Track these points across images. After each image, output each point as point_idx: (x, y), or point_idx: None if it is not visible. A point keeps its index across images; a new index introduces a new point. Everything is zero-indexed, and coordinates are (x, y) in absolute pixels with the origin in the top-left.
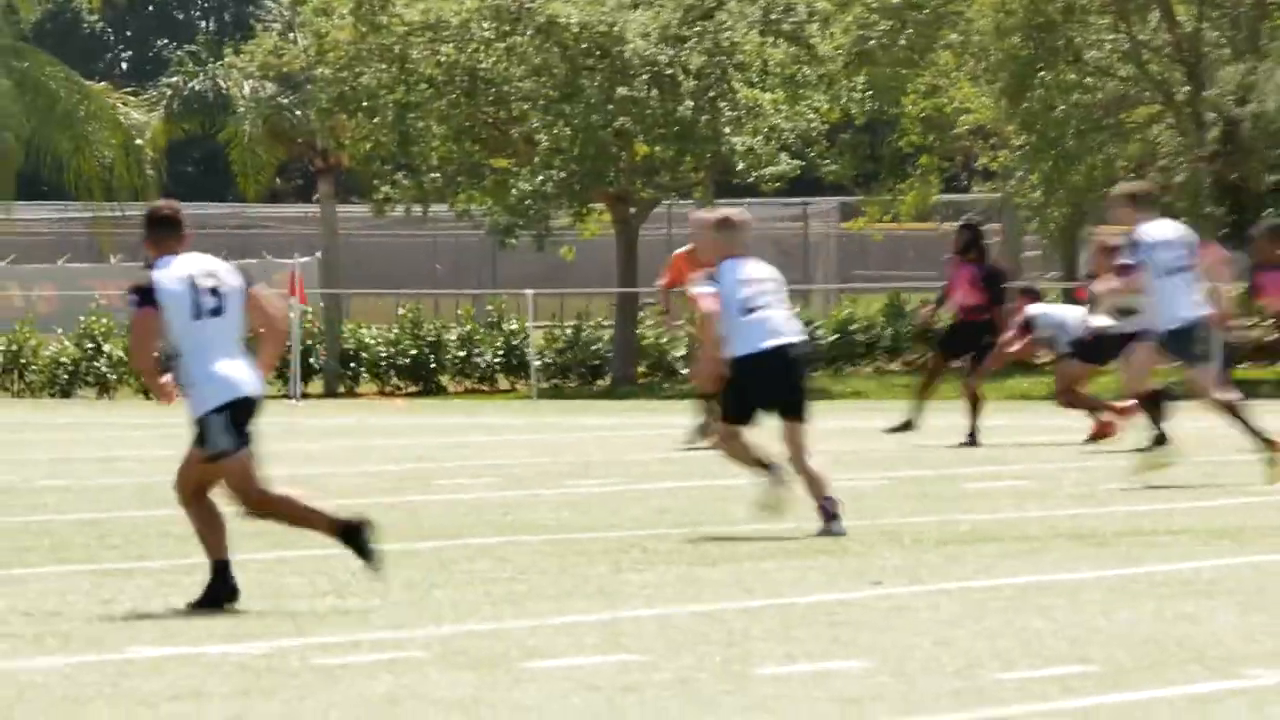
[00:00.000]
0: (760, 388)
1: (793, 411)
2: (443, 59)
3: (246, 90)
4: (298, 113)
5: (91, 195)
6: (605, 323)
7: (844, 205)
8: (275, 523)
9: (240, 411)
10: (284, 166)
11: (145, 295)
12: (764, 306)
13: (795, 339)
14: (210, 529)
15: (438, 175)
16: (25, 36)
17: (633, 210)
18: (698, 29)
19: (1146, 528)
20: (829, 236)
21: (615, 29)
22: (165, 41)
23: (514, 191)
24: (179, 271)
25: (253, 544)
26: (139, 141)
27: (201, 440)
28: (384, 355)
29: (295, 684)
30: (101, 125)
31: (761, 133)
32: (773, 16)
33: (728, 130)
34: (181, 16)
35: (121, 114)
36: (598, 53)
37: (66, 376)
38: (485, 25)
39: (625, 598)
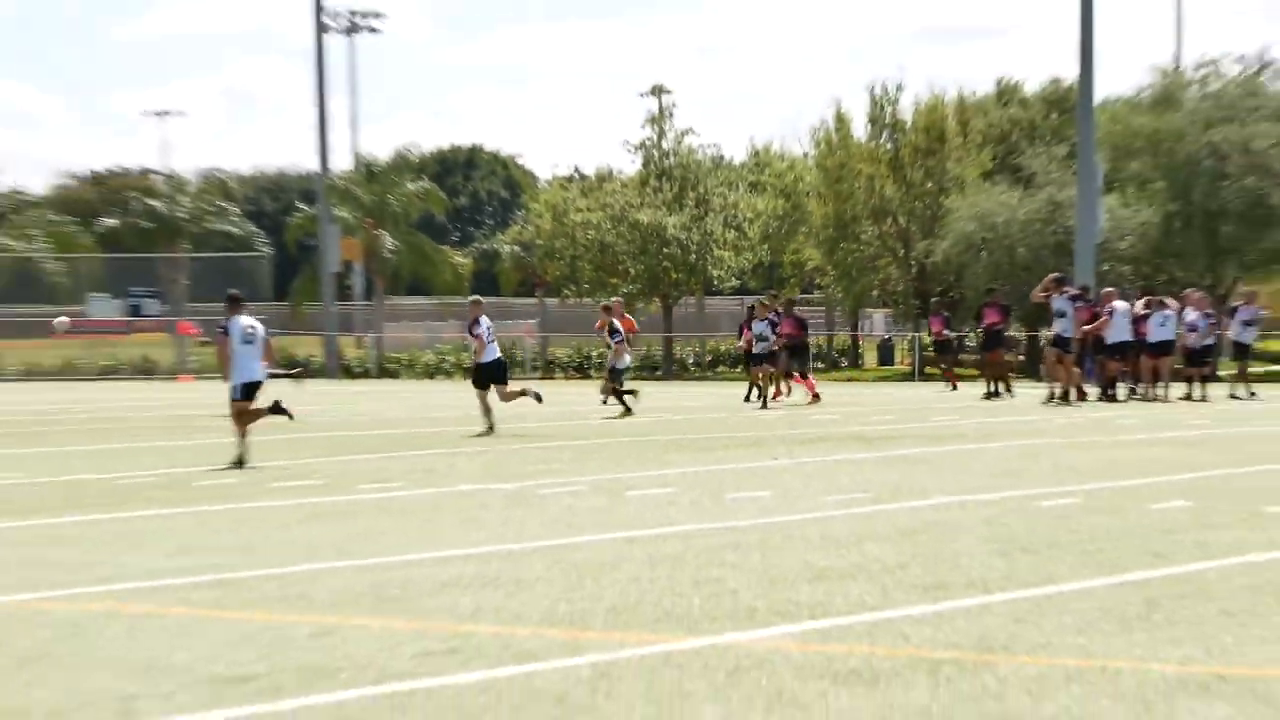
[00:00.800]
0: None
1: None
2: (590, 236)
3: (506, 250)
4: (528, 259)
5: (437, 292)
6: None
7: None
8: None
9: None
10: (524, 281)
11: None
12: None
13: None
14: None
15: (588, 285)
16: (413, 225)
17: (670, 301)
18: (697, 224)
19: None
20: None
21: (662, 225)
22: (473, 227)
23: (619, 294)
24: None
25: None
26: (460, 271)
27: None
28: (565, 362)
29: (528, 502)
30: (444, 264)
31: (724, 269)
32: (728, 219)
33: (710, 267)
34: (480, 217)
35: (454, 259)
36: (655, 234)
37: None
38: (607, 223)
39: (668, 463)
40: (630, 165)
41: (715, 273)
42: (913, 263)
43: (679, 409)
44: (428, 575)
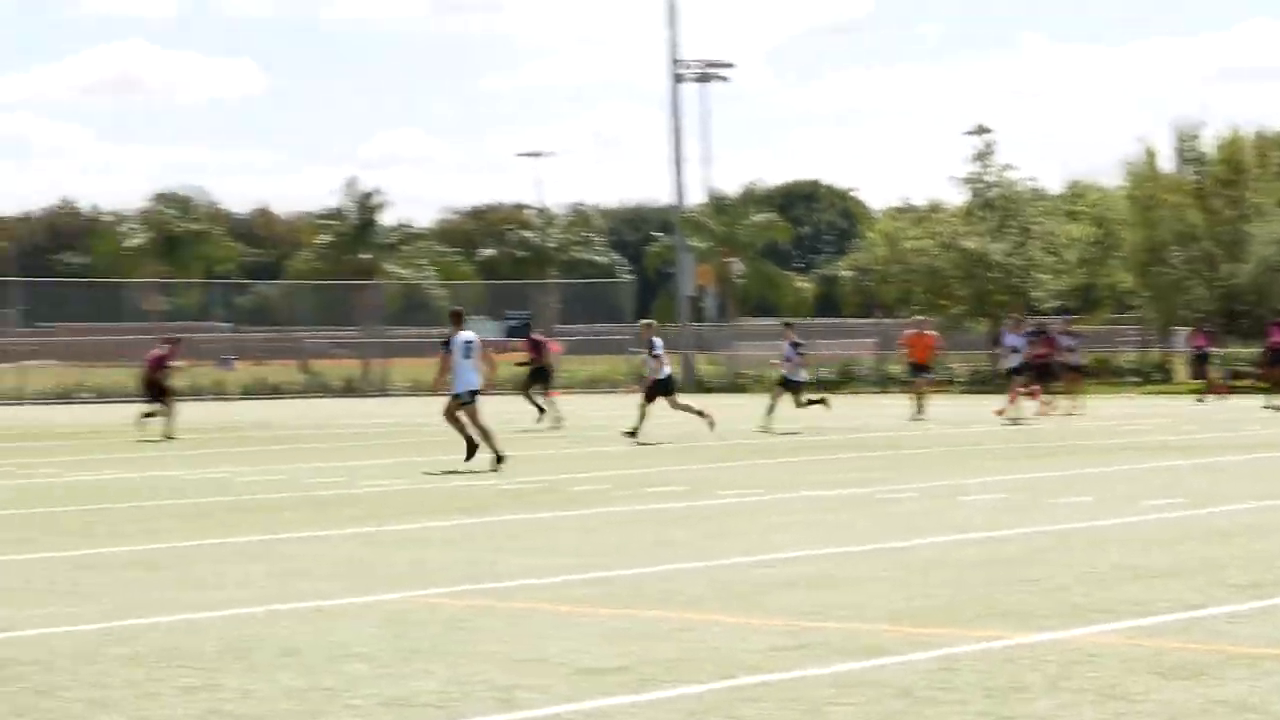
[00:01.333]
0: None
1: None
2: (922, 261)
3: (845, 274)
4: (865, 283)
5: (780, 314)
6: None
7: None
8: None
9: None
10: (861, 303)
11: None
12: None
13: None
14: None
15: (920, 306)
16: (760, 252)
17: (995, 318)
18: (1019, 250)
19: None
20: None
21: (988, 251)
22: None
23: (948, 314)
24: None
25: None
26: (802, 294)
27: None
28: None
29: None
30: (788, 289)
31: (1043, 290)
32: (1047, 246)
33: (1031, 289)
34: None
35: (797, 284)
36: (981, 259)
37: None
38: (937, 249)
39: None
40: (957, 197)
41: (1036, 294)
42: (1218, 284)
43: (994, 419)
44: (777, 574)
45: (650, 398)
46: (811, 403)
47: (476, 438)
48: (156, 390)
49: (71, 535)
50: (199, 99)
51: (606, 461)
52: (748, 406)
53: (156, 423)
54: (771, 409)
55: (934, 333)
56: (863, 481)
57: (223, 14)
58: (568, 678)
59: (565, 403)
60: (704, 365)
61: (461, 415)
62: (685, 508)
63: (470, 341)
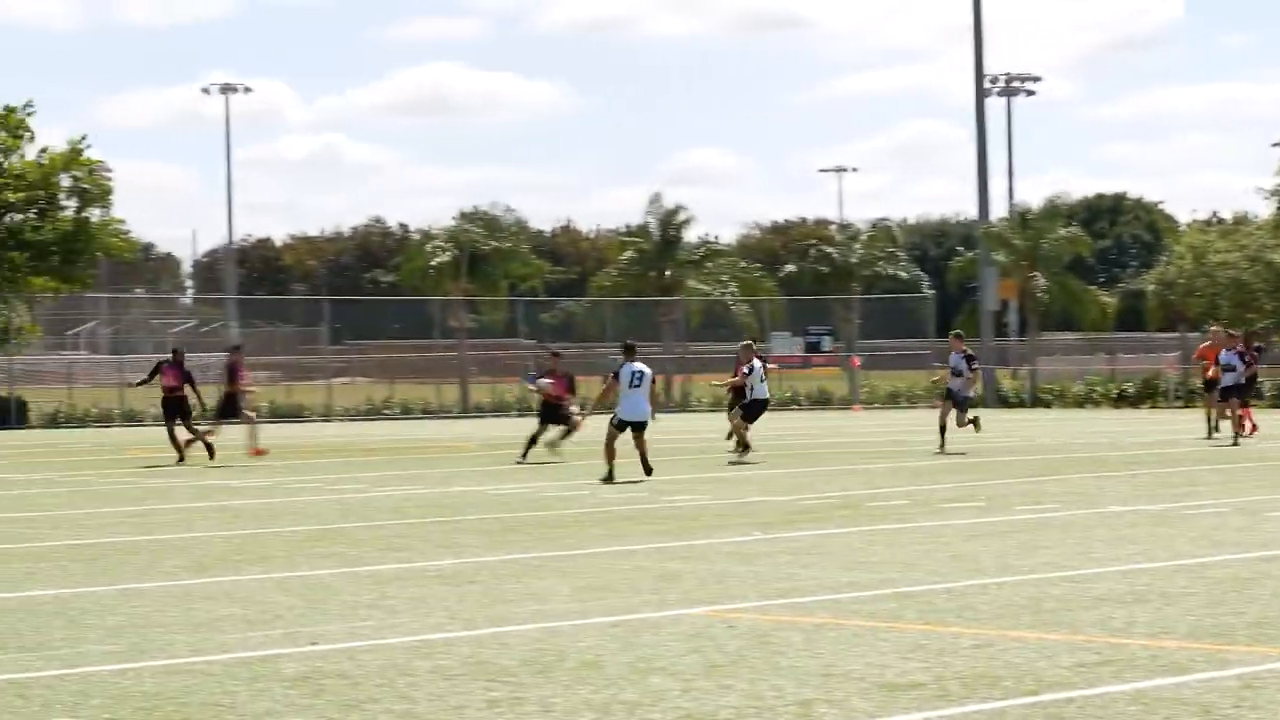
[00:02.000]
0: None
1: None
2: (1228, 275)
3: (1150, 289)
4: (1170, 296)
5: (1085, 329)
6: None
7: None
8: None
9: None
10: (1166, 317)
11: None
12: None
13: None
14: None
15: (1226, 320)
16: (1064, 267)
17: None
18: None
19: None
20: None
21: None
22: (1118, 269)
23: (1258, 327)
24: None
25: None
26: (1106, 309)
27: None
28: None
29: (1175, 521)
30: (1091, 303)
31: None
32: None
33: None
34: (1124, 259)
35: (1100, 298)
36: None
37: None
38: (1244, 263)
39: None
40: (1265, 209)
41: None
42: None
43: None
44: (1081, 590)
45: (749, 417)
46: (970, 422)
47: (642, 463)
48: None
49: (375, 549)
50: (508, 119)
51: (900, 478)
52: (1047, 422)
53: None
54: (944, 427)
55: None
56: (1166, 497)
57: (531, 35)
58: (867, 692)
59: (867, 418)
60: (1006, 380)
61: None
62: (984, 523)
63: (639, 372)
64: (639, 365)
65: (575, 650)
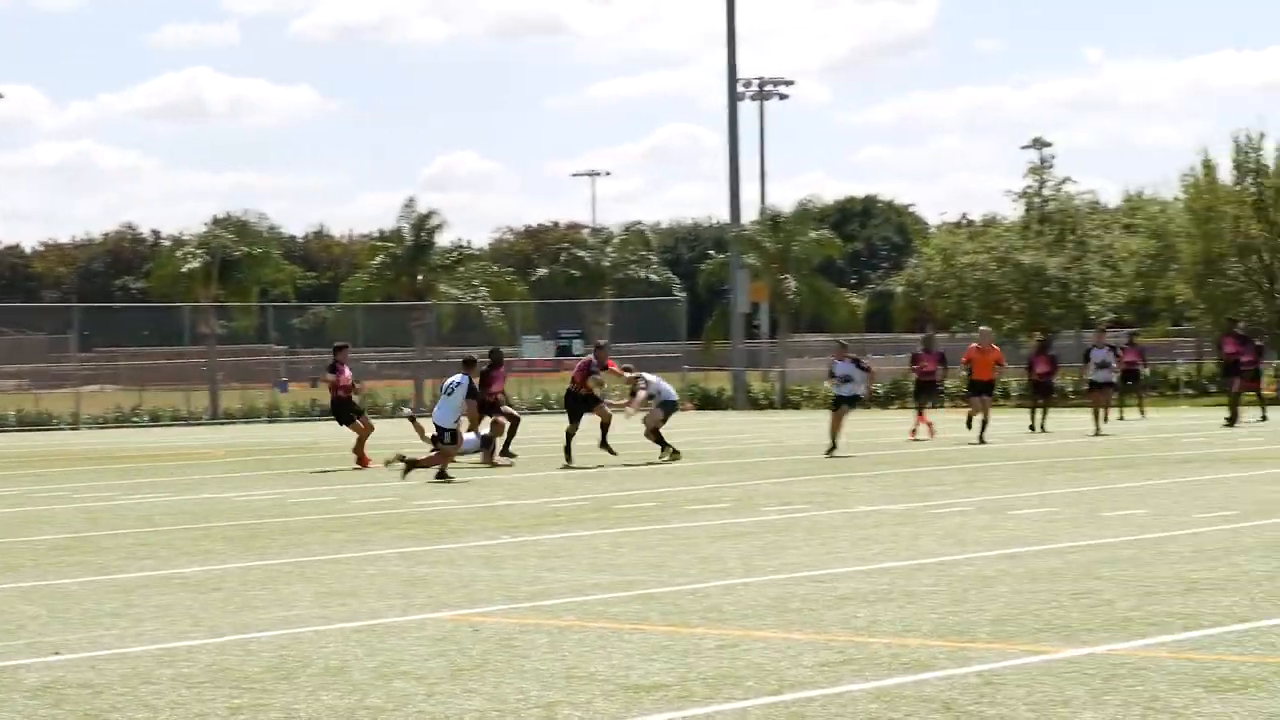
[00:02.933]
0: None
1: None
2: (977, 276)
3: (899, 290)
4: (919, 298)
5: (834, 330)
6: None
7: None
8: None
9: None
10: (915, 318)
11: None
12: None
13: None
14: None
15: (974, 321)
16: (814, 269)
17: (1048, 335)
18: (1076, 264)
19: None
20: None
21: (1044, 265)
22: (868, 271)
23: (1005, 329)
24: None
25: None
26: (856, 310)
27: None
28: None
29: (918, 519)
30: (841, 305)
31: (1100, 304)
32: (1104, 259)
33: (1088, 303)
34: (874, 261)
35: (850, 300)
36: (1037, 273)
37: None
38: (993, 264)
39: (1048, 484)
40: (1013, 212)
41: (1092, 308)
42: (1277, 295)
43: (1055, 434)
44: (826, 590)
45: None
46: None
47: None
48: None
49: (121, 558)
50: (262, 124)
51: (649, 480)
52: (796, 423)
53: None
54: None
55: (997, 348)
56: (912, 496)
57: (285, 40)
58: (611, 694)
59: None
60: (756, 382)
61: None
62: (731, 524)
63: (458, 384)
64: (459, 378)
65: (320, 656)
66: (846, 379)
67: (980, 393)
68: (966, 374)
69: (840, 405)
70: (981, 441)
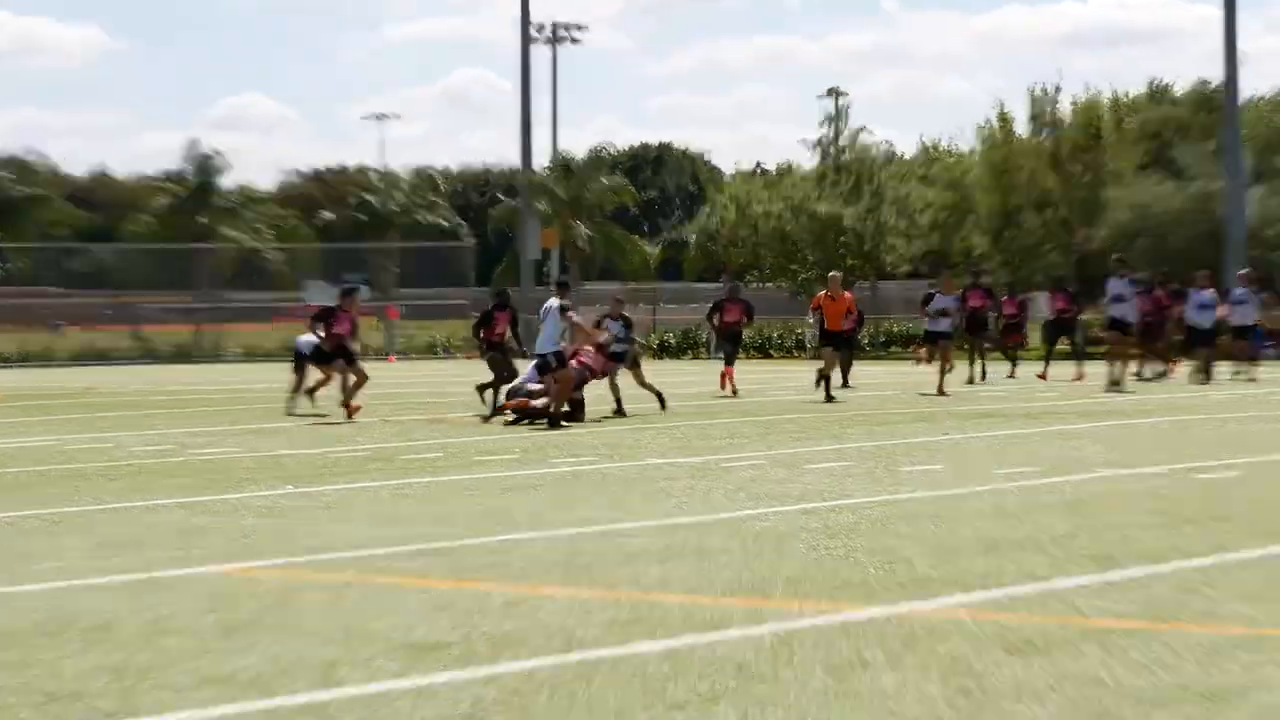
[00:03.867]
0: None
1: None
2: (772, 226)
3: (693, 239)
4: (713, 247)
5: (626, 279)
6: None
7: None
8: None
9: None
10: (707, 268)
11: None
12: None
13: None
14: None
15: (769, 270)
16: (607, 216)
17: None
18: (871, 214)
19: (1053, 410)
20: None
21: (839, 215)
22: (662, 219)
23: (799, 279)
24: None
25: None
26: (649, 258)
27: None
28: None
29: (713, 473)
30: (634, 252)
31: (895, 255)
32: (900, 209)
33: (883, 254)
34: (669, 209)
35: (643, 248)
36: (832, 223)
37: None
38: (788, 213)
39: (846, 438)
40: (809, 161)
41: (888, 258)
42: (1074, 249)
43: (858, 386)
44: (616, 546)
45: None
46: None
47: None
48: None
49: None
50: (44, 63)
51: (437, 431)
52: None
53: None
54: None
55: (848, 294)
56: (705, 449)
57: None
58: (392, 653)
59: (403, 369)
60: None
61: None
62: (519, 476)
63: (551, 309)
64: (552, 301)
65: (89, 611)
66: (618, 339)
67: (833, 344)
68: (817, 324)
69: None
70: (829, 399)
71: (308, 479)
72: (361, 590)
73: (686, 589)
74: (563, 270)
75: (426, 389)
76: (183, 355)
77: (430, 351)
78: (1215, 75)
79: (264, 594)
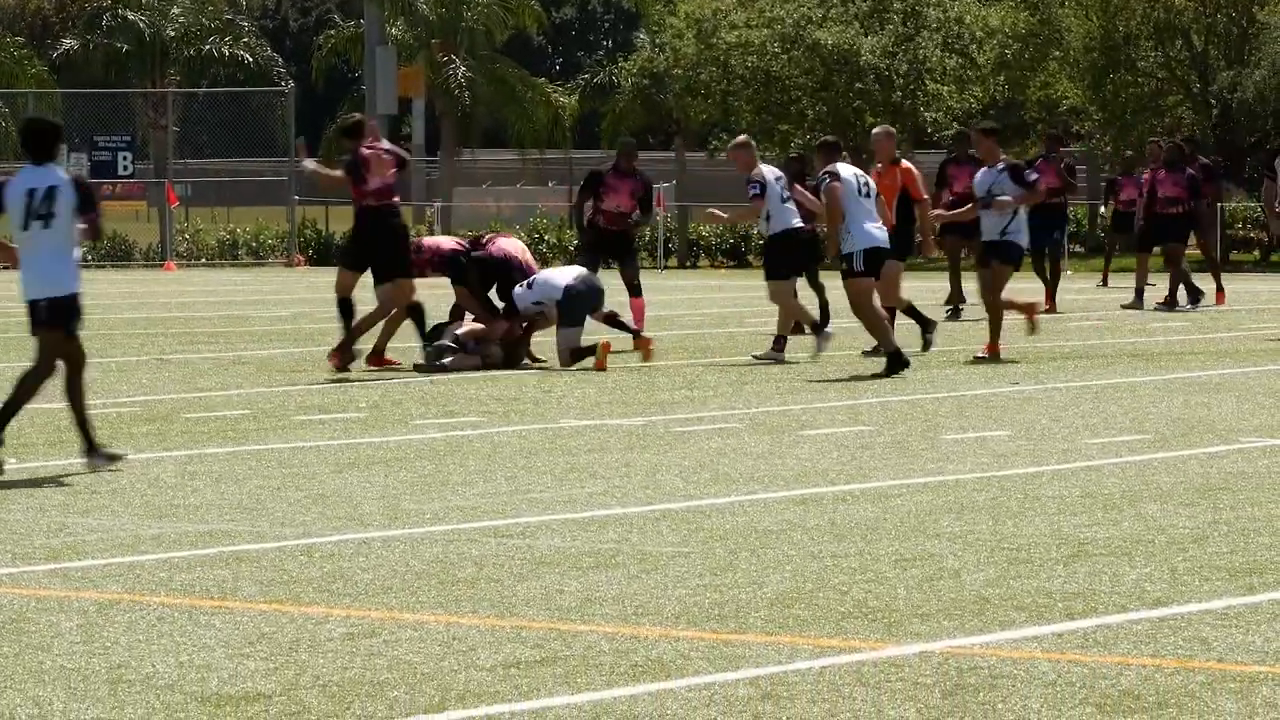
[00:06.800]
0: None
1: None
2: (749, 64)
3: (629, 84)
4: (660, 96)
5: (526, 145)
6: None
7: None
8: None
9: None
10: (650, 128)
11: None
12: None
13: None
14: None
15: (745, 135)
16: (497, 49)
17: (864, 157)
18: (904, 47)
19: (1177, 349)
20: None
21: (854, 48)
22: (582, 53)
23: (792, 145)
24: None
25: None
26: (562, 113)
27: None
28: (713, 244)
29: (660, 442)
30: (539, 104)
31: (941, 110)
32: (949, 40)
33: (922, 109)
34: (592, 37)
35: (554, 98)
36: (843, 61)
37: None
38: (775, 45)
39: (860, 390)
40: None
41: (929, 116)
42: (1213, 100)
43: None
44: (516, 549)
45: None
46: None
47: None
48: None
49: None
50: None
51: (239, 376)
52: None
53: None
54: None
55: (908, 165)
56: (651, 405)
57: None
58: (180, 709)
59: (187, 279)
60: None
61: None
62: (365, 446)
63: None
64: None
65: None
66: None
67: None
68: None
69: None
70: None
71: (43, 449)
72: (132, 613)
73: (620, 615)
74: (433, 132)
75: (222, 312)
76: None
77: (226, 255)
78: None
79: None
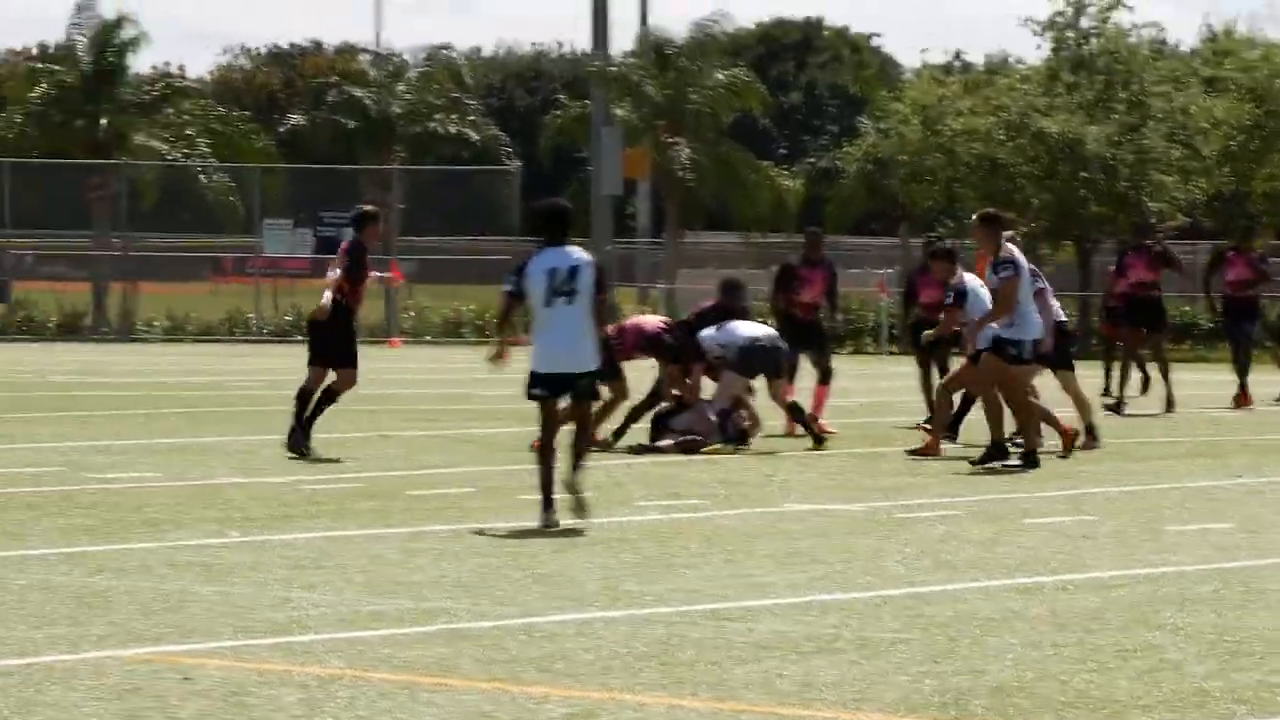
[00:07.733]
0: None
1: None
2: (974, 151)
3: (854, 169)
4: (885, 181)
5: (750, 228)
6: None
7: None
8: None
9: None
10: (874, 214)
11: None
12: None
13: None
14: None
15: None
16: (723, 131)
17: (1088, 244)
18: (1129, 137)
19: None
20: None
21: (1080, 137)
22: (807, 137)
23: (1020, 230)
24: None
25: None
26: (786, 197)
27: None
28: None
29: (882, 528)
30: (763, 188)
31: (1165, 200)
32: (1174, 131)
33: (1145, 199)
34: (817, 122)
35: (778, 181)
36: (1068, 150)
37: None
38: (1000, 132)
39: (1082, 480)
40: (1034, 52)
41: (1154, 206)
42: None
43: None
44: (736, 632)
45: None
46: None
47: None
48: None
49: None
50: None
51: (459, 453)
52: None
53: None
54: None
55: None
56: (874, 491)
57: None
58: None
59: (411, 356)
60: (628, 305)
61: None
62: (589, 527)
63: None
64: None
65: None
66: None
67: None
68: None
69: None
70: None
71: (264, 522)
72: (353, 690)
73: (840, 701)
74: (657, 212)
75: (447, 390)
76: (74, 328)
77: (452, 333)
78: None
79: (199, 694)
